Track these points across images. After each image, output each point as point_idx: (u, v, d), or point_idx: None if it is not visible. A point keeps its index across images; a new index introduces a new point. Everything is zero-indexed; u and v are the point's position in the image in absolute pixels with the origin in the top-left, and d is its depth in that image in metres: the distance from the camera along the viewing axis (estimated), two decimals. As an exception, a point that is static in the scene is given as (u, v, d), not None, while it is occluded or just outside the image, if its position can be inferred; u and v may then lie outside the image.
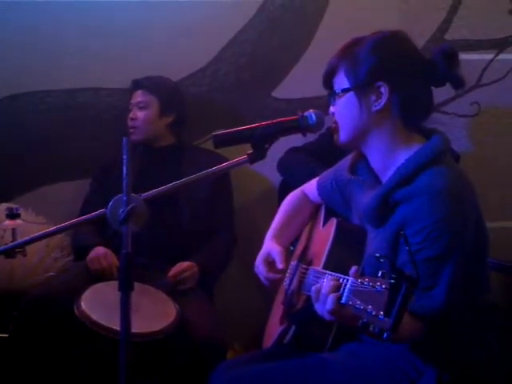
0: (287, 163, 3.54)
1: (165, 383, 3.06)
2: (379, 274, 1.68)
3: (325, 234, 2.44)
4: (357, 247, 2.28)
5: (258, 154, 2.09)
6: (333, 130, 2.26)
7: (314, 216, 2.67)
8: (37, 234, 2.11)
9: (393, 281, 1.63)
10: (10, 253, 2.67)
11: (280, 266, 2.40)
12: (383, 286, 1.64)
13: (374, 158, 2.23)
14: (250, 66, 3.96)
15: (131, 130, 3.66)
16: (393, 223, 2.12)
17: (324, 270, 2.20)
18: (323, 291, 1.89)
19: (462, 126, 3.78)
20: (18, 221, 3.02)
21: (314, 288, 1.95)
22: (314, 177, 2.66)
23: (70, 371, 3.04)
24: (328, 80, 2.25)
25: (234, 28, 3.90)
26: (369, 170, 2.28)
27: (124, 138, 1.94)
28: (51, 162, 4.02)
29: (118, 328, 1.93)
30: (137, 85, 3.70)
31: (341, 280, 1.89)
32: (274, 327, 2.57)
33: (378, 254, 1.81)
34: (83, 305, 2.93)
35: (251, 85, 3.97)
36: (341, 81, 2.20)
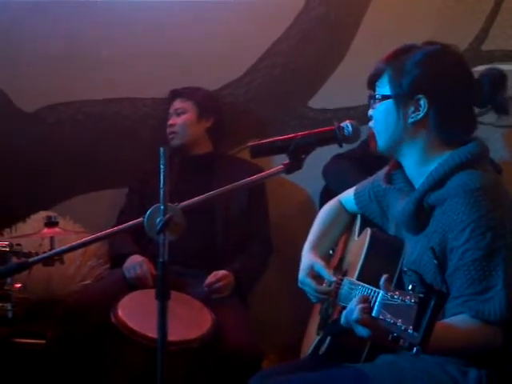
0: (333, 171, 3.52)
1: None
2: (409, 288, 1.68)
3: (359, 244, 2.44)
4: (391, 257, 2.28)
5: (295, 165, 2.09)
6: (370, 136, 2.26)
7: (350, 226, 2.66)
8: (75, 243, 2.12)
9: (422, 295, 1.62)
10: (48, 261, 2.71)
11: (331, 279, 2.38)
12: (412, 300, 1.64)
13: (409, 166, 2.23)
14: (285, 76, 3.96)
15: (171, 136, 3.70)
16: (433, 231, 2.10)
17: (358, 282, 2.20)
18: (351, 305, 1.89)
19: (500, 136, 3.75)
20: (57, 229, 3.06)
21: (347, 310, 1.94)
22: None
23: (106, 379, 3.05)
24: (372, 82, 2.25)
25: (270, 38, 3.92)
26: (405, 178, 2.27)
27: (161, 148, 1.95)
28: (89, 171, 4.06)
29: (155, 336, 1.95)
30: (174, 94, 3.78)
31: (371, 293, 1.89)
32: (311, 337, 2.57)
33: (405, 269, 1.81)
34: (120, 312, 2.96)
35: (286, 95, 3.98)
36: (383, 86, 2.20)
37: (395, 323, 1.67)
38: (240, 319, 3.22)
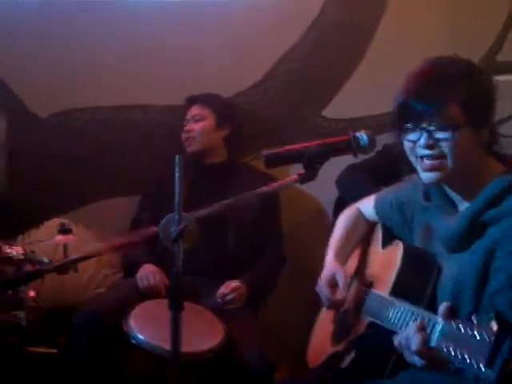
0: (346, 181, 3.49)
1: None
2: (473, 318, 1.62)
3: (388, 257, 2.38)
4: (425, 273, 2.20)
5: (309, 175, 2.08)
6: (432, 168, 2.04)
7: (368, 234, 2.62)
8: (89, 251, 2.13)
9: (497, 331, 1.55)
10: (62, 269, 2.71)
11: (343, 293, 2.35)
12: (485, 336, 1.57)
13: (458, 186, 2.12)
14: (300, 83, 3.95)
15: (187, 142, 3.69)
16: (480, 247, 2.03)
17: (392, 298, 2.15)
18: (409, 332, 1.83)
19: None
20: (70, 236, 3.06)
21: (403, 335, 1.88)
22: None
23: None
24: (431, 110, 2.00)
25: (285, 45, 3.91)
26: (442, 194, 2.17)
27: (176, 156, 1.94)
28: (102, 178, 4.05)
29: (167, 346, 1.94)
30: (192, 101, 3.75)
31: (426, 320, 1.84)
32: (324, 346, 2.53)
33: (474, 315, 1.67)
34: (132, 322, 2.95)
35: (301, 103, 3.97)
36: (452, 114, 2.00)
37: (461, 355, 1.61)
38: (252, 331, 3.20)
